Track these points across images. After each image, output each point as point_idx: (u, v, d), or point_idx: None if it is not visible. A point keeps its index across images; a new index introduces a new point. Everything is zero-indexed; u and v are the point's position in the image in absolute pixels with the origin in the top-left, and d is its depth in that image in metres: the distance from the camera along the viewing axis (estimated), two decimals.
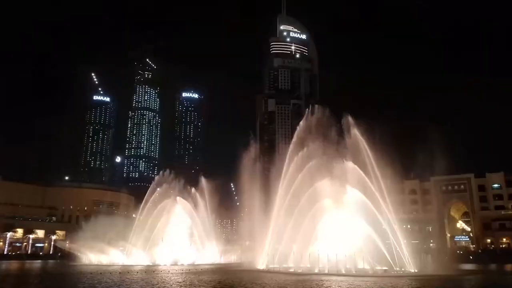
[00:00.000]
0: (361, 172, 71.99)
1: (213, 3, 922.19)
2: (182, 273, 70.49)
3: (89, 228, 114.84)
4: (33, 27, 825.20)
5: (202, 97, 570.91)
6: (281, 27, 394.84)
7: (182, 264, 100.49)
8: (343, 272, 67.42)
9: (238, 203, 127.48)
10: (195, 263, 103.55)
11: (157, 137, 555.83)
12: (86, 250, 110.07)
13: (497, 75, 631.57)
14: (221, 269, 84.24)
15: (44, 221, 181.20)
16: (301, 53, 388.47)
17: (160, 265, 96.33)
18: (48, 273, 76.69)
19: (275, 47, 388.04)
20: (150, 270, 76.23)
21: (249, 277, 61.21)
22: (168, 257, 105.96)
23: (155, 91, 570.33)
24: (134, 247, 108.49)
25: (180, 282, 53.51)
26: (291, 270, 74.24)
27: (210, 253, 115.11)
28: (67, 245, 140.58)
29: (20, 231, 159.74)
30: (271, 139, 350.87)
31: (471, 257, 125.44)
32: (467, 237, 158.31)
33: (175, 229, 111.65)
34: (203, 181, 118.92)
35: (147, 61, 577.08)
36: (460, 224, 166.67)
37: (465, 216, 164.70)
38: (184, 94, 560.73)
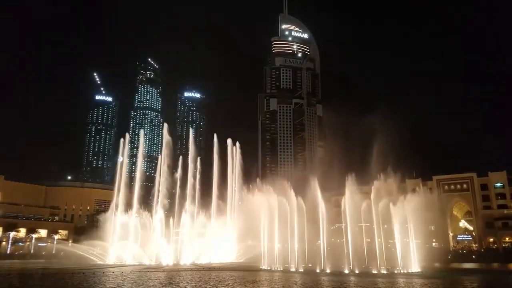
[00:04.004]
0: None
1: (215, 2, 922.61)
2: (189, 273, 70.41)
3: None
4: (34, 27, 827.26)
5: (204, 96, 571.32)
6: (283, 26, 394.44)
7: (185, 264, 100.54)
8: (346, 272, 67.48)
9: (240, 203, 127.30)
10: (195, 263, 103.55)
11: (159, 137, 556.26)
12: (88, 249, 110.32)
13: (500, 72, 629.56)
14: (218, 268, 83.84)
15: (47, 221, 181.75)
16: (303, 52, 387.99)
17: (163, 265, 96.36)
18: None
19: (277, 46, 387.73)
20: (150, 270, 76.14)
21: (249, 277, 61.15)
22: (170, 256, 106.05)
23: (157, 91, 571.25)
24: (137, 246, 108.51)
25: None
26: (292, 269, 74.38)
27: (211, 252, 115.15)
28: (69, 244, 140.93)
29: (22, 231, 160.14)
30: (273, 138, 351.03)
31: (473, 257, 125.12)
32: (469, 236, 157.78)
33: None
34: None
35: (149, 61, 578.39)
36: (463, 223, 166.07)
37: (467, 215, 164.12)
38: (186, 94, 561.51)
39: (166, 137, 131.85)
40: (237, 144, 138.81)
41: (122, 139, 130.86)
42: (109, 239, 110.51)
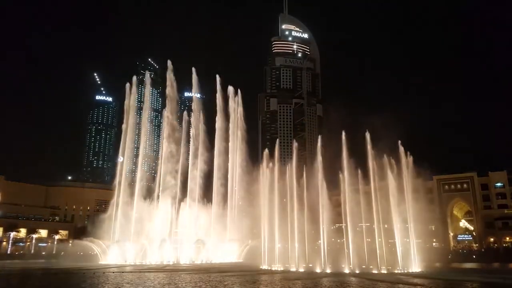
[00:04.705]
0: None
1: (215, 2, 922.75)
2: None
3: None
4: (34, 27, 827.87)
5: (204, 96, 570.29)
6: (283, 26, 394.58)
7: (185, 263, 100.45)
8: (346, 272, 67.44)
9: (240, 203, 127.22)
10: (195, 262, 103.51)
11: (159, 137, 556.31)
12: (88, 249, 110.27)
13: (500, 69, 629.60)
14: (218, 268, 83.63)
15: (47, 221, 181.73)
16: (303, 52, 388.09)
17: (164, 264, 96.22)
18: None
19: (277, 46, 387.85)
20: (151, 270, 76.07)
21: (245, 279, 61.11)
22: (170, 255, 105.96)
23: (157, 91, 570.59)
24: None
25: None
26: (293, 269, 74.40)
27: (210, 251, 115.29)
28: (70, 244, 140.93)
29: (23, 231, 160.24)
30: (273, 138, 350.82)
31: (474, 256, 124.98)
32: (470, 236, 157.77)
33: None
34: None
35: (150, 61, 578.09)
36: (463, 223, 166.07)
37: (468, 215, 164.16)
38: (186, 94, 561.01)
39: (169, 75, 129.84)
40: (239, 92, 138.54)
41: (128, 84, 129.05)
42: (110, 239, 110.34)
